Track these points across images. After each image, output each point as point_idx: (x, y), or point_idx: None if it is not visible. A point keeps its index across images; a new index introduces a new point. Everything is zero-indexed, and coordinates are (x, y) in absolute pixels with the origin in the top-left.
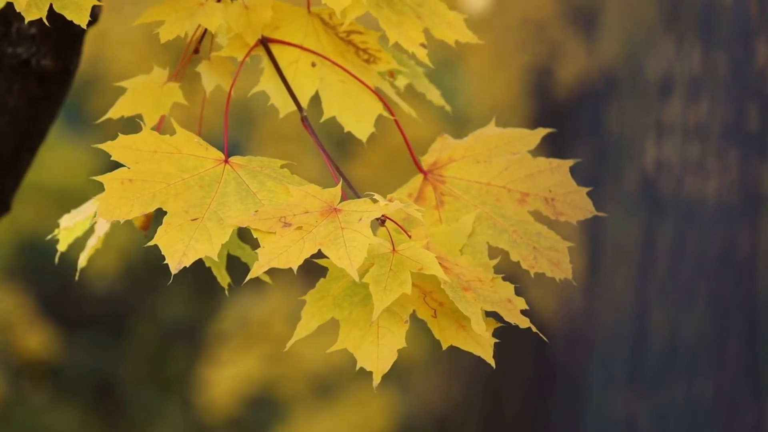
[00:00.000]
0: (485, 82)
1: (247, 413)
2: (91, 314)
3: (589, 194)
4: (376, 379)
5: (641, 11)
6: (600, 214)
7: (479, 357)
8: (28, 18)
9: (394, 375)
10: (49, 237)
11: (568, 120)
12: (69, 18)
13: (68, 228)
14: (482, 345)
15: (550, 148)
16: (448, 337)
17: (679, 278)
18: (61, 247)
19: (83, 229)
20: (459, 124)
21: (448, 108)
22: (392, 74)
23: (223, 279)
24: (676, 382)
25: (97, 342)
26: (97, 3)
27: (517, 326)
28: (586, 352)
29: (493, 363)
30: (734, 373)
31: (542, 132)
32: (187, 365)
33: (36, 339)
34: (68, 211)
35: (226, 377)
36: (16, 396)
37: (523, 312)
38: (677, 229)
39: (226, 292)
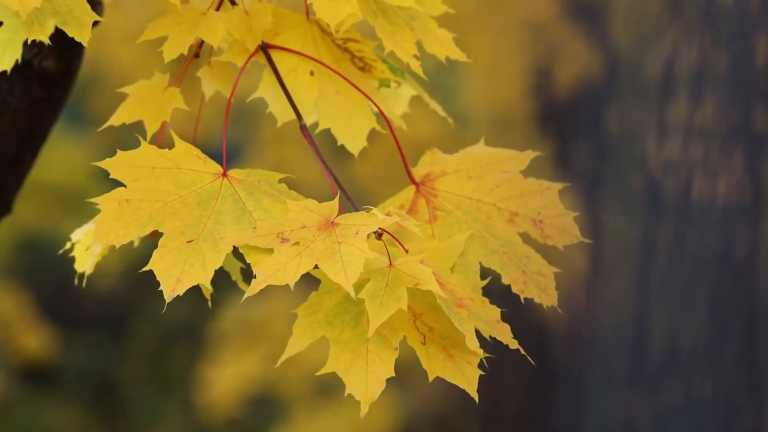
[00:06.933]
0: (485, 83)
1: (248, 413)
2: (91, 314)
3: (589, 194)
4: (364, 409)
5: (641, 10)
6: (585, 240)
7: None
8: (32, 37)
9: (394, 375)
10: (61, 252)
11: (568, 120)
12: (71, 35)
13: (80, 242)
14: (468, 378)
15: (551, 149)
16: (435, 367)
17: (679, 278)
18: (79, 267)
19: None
20: (459, 125)
21: (450, 120)
22: (396, 81)
23: (243, 284)
24: (675, 383)
25: (97, 342)
26: (99, 19)
27: (517, 326)
28: (586, 352)
29: (476, 397)
30: (733, 373)
31: (531, 155)
32: (188, 365)
33: (36, 339)
34: (68, 210)
35: (226, 377)
36: (16, 396)
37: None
38: (677, 230)
39: (246, 295)
